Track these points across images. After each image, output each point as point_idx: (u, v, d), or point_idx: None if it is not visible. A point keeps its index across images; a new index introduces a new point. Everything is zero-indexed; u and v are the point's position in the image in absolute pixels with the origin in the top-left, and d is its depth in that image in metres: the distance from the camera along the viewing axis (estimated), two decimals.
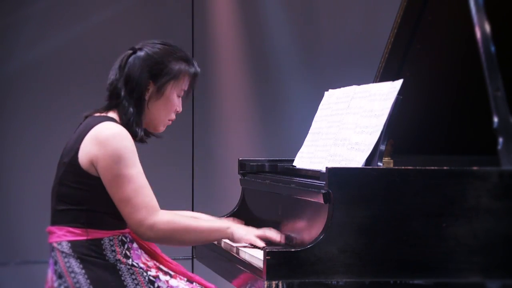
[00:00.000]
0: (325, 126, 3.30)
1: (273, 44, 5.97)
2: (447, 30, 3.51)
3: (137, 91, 2.96)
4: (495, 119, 2.77)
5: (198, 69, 3.08)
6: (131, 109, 2.94)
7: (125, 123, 2.93)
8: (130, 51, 3.03)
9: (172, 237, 2.90)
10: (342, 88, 3.33)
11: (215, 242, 3.38)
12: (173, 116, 3.06)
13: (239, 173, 3.71)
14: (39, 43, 5.71)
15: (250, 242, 2.99)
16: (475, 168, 2.72)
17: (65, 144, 2.98)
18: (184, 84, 3.04)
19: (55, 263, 2.88)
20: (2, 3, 5.68)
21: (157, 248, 3.05)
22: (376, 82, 3.46)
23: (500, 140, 2.75)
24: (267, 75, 5.96)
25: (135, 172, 2.85)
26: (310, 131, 3.43)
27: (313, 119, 3.45)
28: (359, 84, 3.22)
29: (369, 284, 2.66)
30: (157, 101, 3.00)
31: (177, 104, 3.04)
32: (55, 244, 2.88)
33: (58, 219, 2.92)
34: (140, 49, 3.02)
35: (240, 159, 3.72)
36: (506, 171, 2.72)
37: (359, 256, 2.65)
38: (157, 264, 2.99)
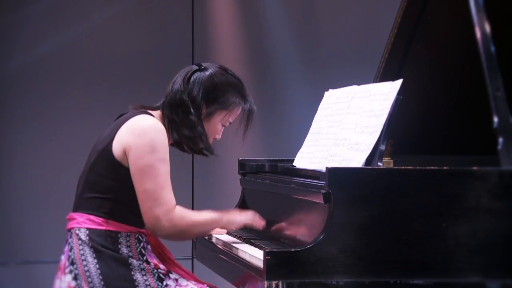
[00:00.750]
0: (325, 126, 3.30)
1: (273, 44, 5.98)
2: (447, 30, 3.52)
3: (195, 107, 3.03)
4: (495, 119, 2.77)
5: (254, 107, 3.15)
6: (175, 118, 3.01)
7: (172, 125, 3.02)
8: (195, 67, 3.09)
9: (185, 232, 2.95)
10: (342, 88, 3.33)
11: (215, 243, 3.38)
12: (210, 141, 3.12)
13: (239, 173, 3.71)
14: (39, 43, 5.71)
15: (250, 225, 3.15)
16: (475, 168, 2.72)
17: (101, 133, 3.02)
18: (232, 116, 3.11)
19: (70, 249, 2.91)
20: (2, 3, 5.68)
21: (170, 255, 3.08)
22: (376, 82, 3.46)
23: (500, 140, 2.75)
24: (267, 75, 5.96)
25: (165, 168, 2.90)
26: (310, 131, 3.43)
27: (313, 119, 3.45)
28: (359, 84, 3.22)
29: (369, 284, 2.66)
30: (203, 123, 3.06)
31: (218, 132, 3.12)
32: (75, 229, 2.91)
33: (81, 205, 2.95)
34: (206, 68, 3.08)
35: (240, 159, 3.72)
36: (506, 171, 2.72)
37: (359, 256, 2.66)
38: (168, 269, 3.01)
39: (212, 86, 3.05)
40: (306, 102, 5.51)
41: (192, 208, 5.71)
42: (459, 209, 2.70)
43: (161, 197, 2.88)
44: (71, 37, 5.74)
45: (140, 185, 2.89)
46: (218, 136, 3.14)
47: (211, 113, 3.06)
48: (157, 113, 3.04)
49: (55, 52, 5.72)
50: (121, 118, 3.01)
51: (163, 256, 3.06)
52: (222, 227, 3.15)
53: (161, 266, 2.97)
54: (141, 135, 2.90)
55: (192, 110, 3.02)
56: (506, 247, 2.70)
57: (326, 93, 3.46)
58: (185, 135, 3.02)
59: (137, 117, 2.96)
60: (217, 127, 3.10)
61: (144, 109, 3.04)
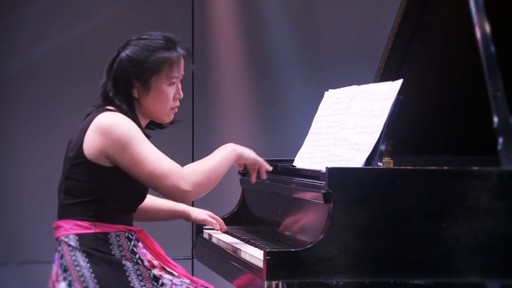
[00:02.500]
0: (325, 126, 3.30)
1: (273, 44, 5.97)
2: (447, 30, 3.52)
3: (123, 91, 2.99)
4: (495, 119, 2.77)
5: (181, 51, 3.06)
6: (123, 106, 2.97)
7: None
8: (116, 53, 3.05)
9: (206, 182, 2.91)
10: (342, 88, 3.33)
11: (215, 243, 3.38)
12: (174, 104, 3.06)
13: (239, 173, 3.71)
14: (39, 43, 5.71)
15: (259, 162, 3.08)
16: (475, 168, 2.72)
17: (69, 140, 3.01)
18: (170, 72, 3.02)
19: (61, 257, 2.89)
20: (2, 3, 5.68)
21: (161, 250, 3.06)
22: (376, 82, 3.47)
23: (500, 140, 2.75)
24: (267, 75, 5.95)
25: (147, 146, 2.89)
26: (310, 131, 3.43)
27: (313, 119, 3.45)
28: (359, 84, 3.22)
29: (369, 284, 2.66)
30: (147, 96, 3.00)
31: (171, 92, 3.03)
32: (62, 238, 2.90)
33: (65, 213, 2.93)
34: (124, 48, 3.03)
35: None
36: (506, 171, 2.72)
37: (359, 256, 2.65)
38: (161, 264, 2.99)
39: (133, 61, 2.99)
40: (306, 102, 5.51)
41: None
42: (459, 209, 2.70)
43: (164, 170, 2.86)
44: (71, 37, 5.74)
45: (139, 174, 2.87)
46: (178, 95, 3.05)
47: (146, 83, 2.99)
48: (112, 107, 3.00)
49: (55, 52, 5.71)
50: (85, 121, 2.99)
51: (155, 252, 3.04)
52: (237, 160, 3.04)
53: (155, 262, 2.96)
54: (111, 133, 2.88)
55: (120, 97, 2.98)
56: (506, 247, 2.70)
57: (326, 93, 3.46)
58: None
59: (99, 116, 2.93)
60: (164, 90, 3.01)
61: (101, 107, 3.01)
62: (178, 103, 3.07)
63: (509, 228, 2.71)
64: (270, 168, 3.12)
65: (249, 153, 3.07)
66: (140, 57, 3.00)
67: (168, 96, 3.03)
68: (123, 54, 3.02)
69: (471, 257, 2.69)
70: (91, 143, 2.90)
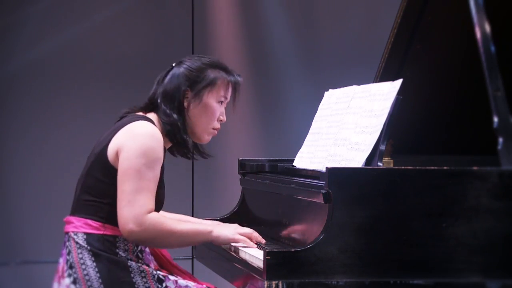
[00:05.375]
0: (325, 126, 3.30)
1: (273, 44, 5.97)
2: (447, 30, 3.52)
3: (176, 99, 3.01)
4: (495, 119, 2.77)
5: (239, 79, 3.14)
6: (174, 115, 2.99)
7: (170, 129, 2.99)
8: (170, 67, 3.10)
9: (156, 239, 2.88)
10: (342, 88, 3.33)
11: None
12: (217, 125, 3.10)
13: (239, 173, 3.71)
14: (39, 43, 5.71)
15: (238, 242, 2.99)
16: (475, 168, 2.72)
17: (100, 136, 3.01)
18: (223, 91, 3.09)
19: (69, 253, 2.90)
20: (2, 3, 5.68)
21: (168, 255, 3.07)
22: (376, 82, 3.46)
23: (500, 140, 2.75)
24: (267, 75, 5.95)
25: (151, 175, 2.87)
26: (310, 131, 3.43)
27: (313, 119, 3.45)
28: (359, 84, 3.22)
29: (369, 284, 2.66)
30: (196, 108, 3.04)
31: (218, 111, 3.08)
32: (71, 234, 2.91)
33: (79, 209, 2.94)
34: (179, 64, 3.09)
35: (240, 159, 3.72)
36: (506, 171, 2.72)
37: (359, 256, 2.65)
38: (167, 271, 3.00)
39: (189, 71, 3.04)
40: (306, 102, 5.50)
41: (192, 209, 5.75)
42: (459, 209, 2.70)
43: (136, 200, 2.83)
44: (71, 37, 5.74)
45: (120, 185, 2.85)
46: (223, 117, 3.10)
47: (199, 94, 3.03)
48: (154, 116, 3.02)
49: (55, 52, 5.71)
50: (121, 121, 2.99)
51: (161, 258, 3.05)
52: (212, 242, 3.01)
53: (160, 271, 2.97)
54: (135, 139, 2.88)
55: (170, 108, 2.99)
56: (506, 247, 2.70)
57: (326, 93, 3.46)
58: (172, 134, 3.00)
59: (136, 122, 2.94)
60: (213, 106, 3.06)
61: (142, 112, 3.03)
62: (219, 126, 3.09)
63: (509, 228, 2.71)
64: (253, 246, 3.01)
65: (227, 238, 2.98)
66: (199, 68, 3.05)
67: (215, 112, 3.07)
68: (178, 68, 3.06)
69: (471, 257, 2.69)
70: (116, 143, 2.90)
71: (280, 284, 2.63)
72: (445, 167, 2.72)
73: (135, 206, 2.83)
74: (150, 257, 2.99)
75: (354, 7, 5.99)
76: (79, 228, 2.90)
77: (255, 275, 2.80)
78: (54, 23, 5.73)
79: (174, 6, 5.88)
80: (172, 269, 3.05)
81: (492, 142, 2.79)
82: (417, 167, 2.72)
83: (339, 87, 3.36)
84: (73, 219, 2.93)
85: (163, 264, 3.05)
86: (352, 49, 5.92)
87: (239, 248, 3.08)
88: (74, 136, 5.55)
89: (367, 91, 3.10)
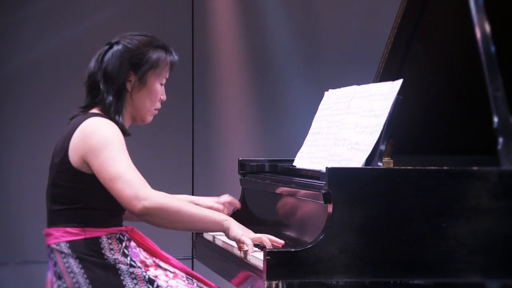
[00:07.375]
0: (325, 126, 3.30)
1: (273, 44, 5.98)
2: (447, 30, 3.52)
3: (117, 82, 2.97)
4: (495, 119, 2.77)
5: (176, 58, 3.09)
6: (110, 97, 2.95)
7: (107, 113, 2.95)
8: (107, 46, 3.04)
9: (170, 213, 2.79)
10: (342, 88, 3.33)
11: (216, 242, 3.38)
12: (158, 105, 3.08)
13: (239, 173, 3.72)
14: (39, 43, 5.71)
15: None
16: (475, 168, 2.72)
17: (55, 146, 2.98)
18: (165, 72, 3.06)
19: (55, 264, 2.88)
20: (2, 3, 5.68)
21: (155, 245, 3.04)
22: (376, 82, 3.47)
23: (500, 140, 2.75)
24: (267, 75, 5.96)
25: (125, 155, 2.83)
26: (310, 131, 3.43)
27: (313, 119, 3.45)
28: (359, 84, 3.22)
29: (369, 284, 2.66)
30: (141, 91, 3.01)
31: (161, 92, 3.06)
32: (53, 246, 2.89)
33: (54, 220, 2.92)
34: (117, 42, 3.04)
35: (240, 159, 3.72)
36: (506, 171, 2.72)
37: (359, 256, 2.65)
38: (156, 261, 2.98)
39: (131, 52, 3.00)
40: (306, 102, 5.51)
41: None
42: (459, 209, 2.70)
43: (131, 178, 2.78)
44: (71, 37, 5.74)
45: (106, 175, 2.81)
46: (163, 97, 3.07)
47: (143, 77, 3.00)
48: (98, 109, 2.98)
49: (55, 52, 5.72)
50: (70, 124, 2.96)
51: (149, 248, 3.02)
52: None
53: (148, 261, 2.95)
54: (92, 137, 2.84)
55: (107, 90, 2.96)
56: (506, 247, 2.70)
57: (326, 93, 3.46)
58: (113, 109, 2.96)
59: (84, 122, 2.90)
60: (157, 88, 3.03)
61: (83, 112, 2.99)
62: (160, 105, 3.08)
63: (509, 228, 2.71)
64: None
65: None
66: (140, 49, 3.01)
67: (158, 94, 3.05)
68: (118, 46, 3.01)
69: (471, 257, 2.69)
70: (75, 149, 2.87)
71: (280, 284, 2.63)
72: (445, 167, 2.72)
73: (133, 184, 2.78)
74: (137, 250, 2.95)
75: (354, 7, 5.99)
76: (60, 238, 2.88)
77: (255, 275, 2.80)
78: (54, 23, 5.73)
79: (174, 6, 5.88)
80: (161, 257, 3.00)
81: (492, 142, 2.79)
82: (417, 167, 2.72)
83: (339, 87, 3.36)
84: (52, 230, 2.91)
85: (152, 254, 3.01)
86: (352, 49, 5.92)
87: (242, 248, 3.08)
88: None
89: (367, 91, 3.10)
